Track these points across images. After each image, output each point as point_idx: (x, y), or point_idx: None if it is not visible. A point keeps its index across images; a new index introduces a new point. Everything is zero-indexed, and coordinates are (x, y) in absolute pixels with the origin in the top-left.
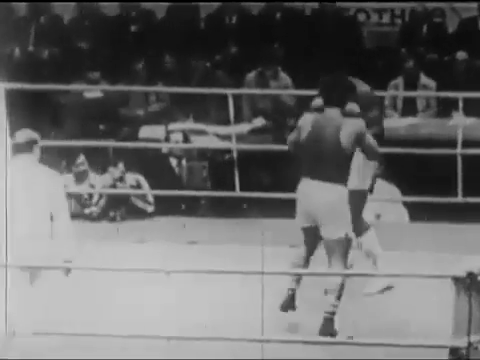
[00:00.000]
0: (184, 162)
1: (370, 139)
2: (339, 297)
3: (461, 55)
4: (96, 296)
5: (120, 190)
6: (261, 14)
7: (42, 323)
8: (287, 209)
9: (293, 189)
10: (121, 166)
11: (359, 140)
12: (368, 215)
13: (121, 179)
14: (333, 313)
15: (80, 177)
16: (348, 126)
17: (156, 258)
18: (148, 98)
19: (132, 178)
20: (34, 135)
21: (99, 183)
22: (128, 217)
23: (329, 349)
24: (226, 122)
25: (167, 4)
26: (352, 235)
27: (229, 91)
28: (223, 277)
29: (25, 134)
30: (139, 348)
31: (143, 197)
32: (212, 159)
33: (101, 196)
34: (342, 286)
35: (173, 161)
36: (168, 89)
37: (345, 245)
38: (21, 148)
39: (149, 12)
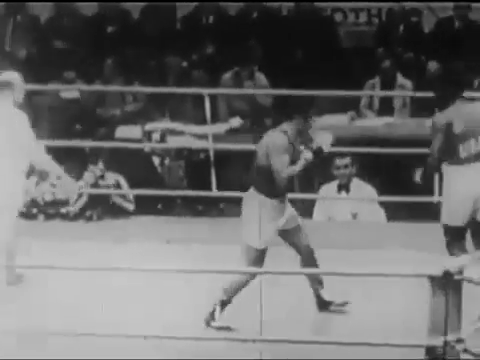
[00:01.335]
0: (167, 161)
1: (277, 159)
2: (227, 294)
3: (433, 65)
4: (79, 295)
5: (99, 190)
6: (238, 14)
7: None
8: None
9: None
10: (101, 164)
11: (268, 154)
12: (344, 215)
13: (102, 177)
14: (215, 304)
15: (43, 177)
16: (266, 137)
17: (134, 257)
18: (125, 98)
19: (112, 177)
20: (10, 77)
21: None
22: (105, 216)
23: (308, 348)
24: (203, 122)
25: (143, 4)
26: (259, 246)
27: (205, 91)
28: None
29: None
30: (128, 349)
31: (124, 196)
32: (189, 158)
33: (81, 196)
34: (236, 288)
35: (156, 160)
36: (145, 89)
37: (247, 252)
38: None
39: (126, 12)
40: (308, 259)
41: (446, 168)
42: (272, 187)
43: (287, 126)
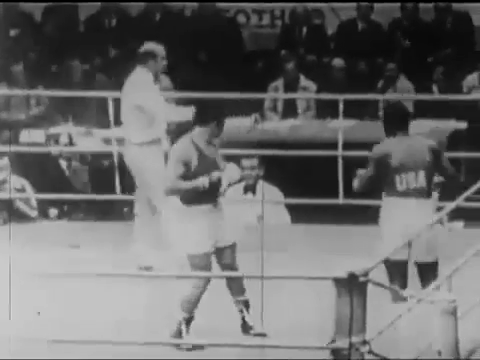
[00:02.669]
0: (74, 164)
1: (170, 167)
2: (186, 308)
3: (338, 62)
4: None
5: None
6: (141, 16)
7: None
8: None
9: None
10: (6, 160)
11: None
12: (250, 217)
13: (4, 181)
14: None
15: None
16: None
17: (41, 262)
18: (29, 102)
19: (17, 181)
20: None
21: None
22: (11, 220)
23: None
24: (107, 126)
25: (44, 5)
26: (194, 253)
27: (109, 94)
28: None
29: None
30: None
31: (27, 202)
32: (93, 162)
33: None
34: (192, 299)
35: (63, 163)
36: (48, 92)
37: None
38: None
39: (28, 15)
40: (231, 281)
41: (384, 199)
42: (183, 194)
43: (199, 132)
